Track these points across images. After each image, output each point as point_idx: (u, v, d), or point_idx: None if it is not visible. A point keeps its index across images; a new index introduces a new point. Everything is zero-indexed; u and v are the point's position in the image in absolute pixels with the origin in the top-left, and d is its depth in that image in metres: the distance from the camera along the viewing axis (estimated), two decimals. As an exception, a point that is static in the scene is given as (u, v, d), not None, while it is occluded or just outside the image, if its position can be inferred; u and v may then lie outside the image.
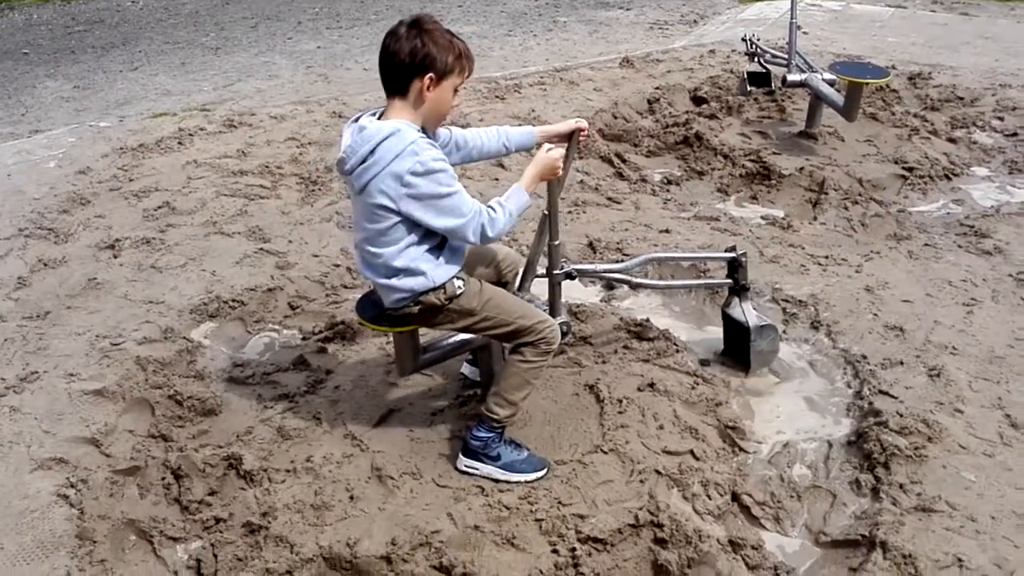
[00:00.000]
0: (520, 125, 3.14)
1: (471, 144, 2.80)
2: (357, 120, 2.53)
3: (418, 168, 2.38)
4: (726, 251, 3.37)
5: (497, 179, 4.98)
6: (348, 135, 2.50)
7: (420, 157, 2.38)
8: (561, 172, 2.71)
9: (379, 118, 2.51)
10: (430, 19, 2.47)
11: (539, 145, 2.79)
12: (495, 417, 2.72)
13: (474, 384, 3.19)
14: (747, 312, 3.31)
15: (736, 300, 3.35)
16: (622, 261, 4.02)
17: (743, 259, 3.30)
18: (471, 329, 2.71)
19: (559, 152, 2.67)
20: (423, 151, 2.39)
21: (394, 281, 2.56)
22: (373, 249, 2.55)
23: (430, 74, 2.42)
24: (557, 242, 2.91)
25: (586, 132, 2.90)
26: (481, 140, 2.82)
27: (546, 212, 2.93)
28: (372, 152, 2.40)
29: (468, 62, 2.51)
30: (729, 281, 3.36)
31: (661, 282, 3.66)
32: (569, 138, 2.89)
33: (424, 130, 2.52)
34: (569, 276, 3.02)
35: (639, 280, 3.38)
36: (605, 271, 3.35)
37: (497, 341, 2.87)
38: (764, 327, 3.30)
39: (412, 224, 2.48)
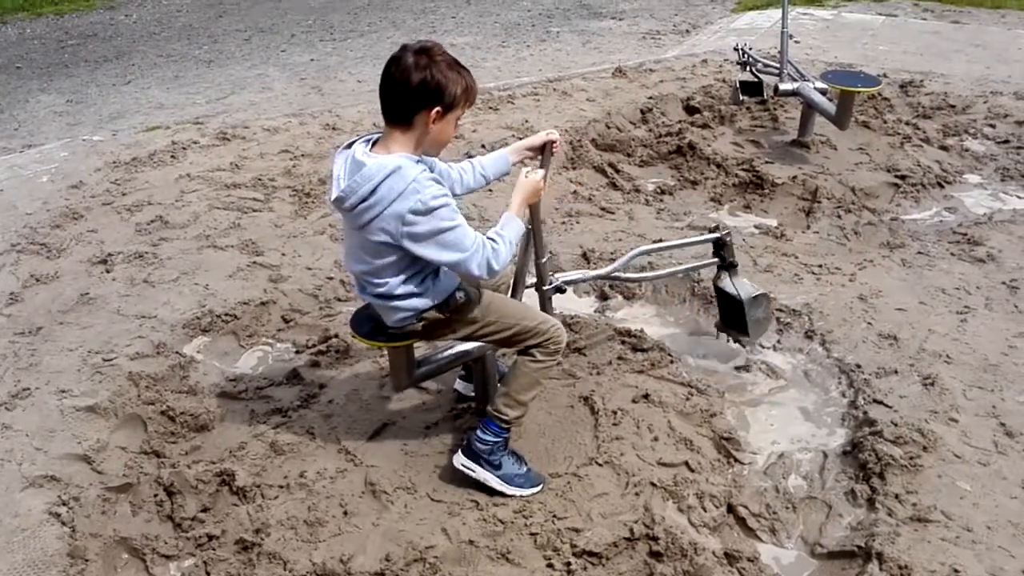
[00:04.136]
0: (513, 136, 3.14)
1: (452, 180, 2.77)
2: (350, 148, 2.48)
3: (419, 207, 2.35)
4: (710, 231, 3.40)
5: (491, 190, 4.96)
6: (340, 164, 2.46)
7: (421, 195, 2.35)
8: (543, 192, 2.70)
9: (373, 146, 2.47)
10: (438, 48, 2.43)
11: (521, 165, 2.78)
12: (504, 417, 2.69)
13: (467, 399, 3.18)
14: (738, 284, 3.38)
15: (726, 274, 3.42)
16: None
17: (727, 238, 3.37)
18: (475, 336, 2.70)
19: (539, 174, 2.65)
20: (424, 189, 2.36)
21: (396, 303, 2.54)
22: (375, 280, 2.53)
23: (438, 107, 2.40)
24: (544, 259, 2.90)
25: (557, 143, 2.87)
26: (461, 175, 2.81)
27: (530, 228, 2.93)
28: (374, 191, 2.36)
29: (473, 94, 2.51)
30: (716, 260, 3.43)
31: (649, 273, 3.65)
32: (542, 151, 2.88)
33: (423, 157, 2.51)
34: (559, 290, 3.01)
35: (627, 275, 3.42)
36: (594, 276, 3.34)
37: (500, 348, 2.85)
38: (756, 297, 3.37)
39: (414, 256, 2.46)
